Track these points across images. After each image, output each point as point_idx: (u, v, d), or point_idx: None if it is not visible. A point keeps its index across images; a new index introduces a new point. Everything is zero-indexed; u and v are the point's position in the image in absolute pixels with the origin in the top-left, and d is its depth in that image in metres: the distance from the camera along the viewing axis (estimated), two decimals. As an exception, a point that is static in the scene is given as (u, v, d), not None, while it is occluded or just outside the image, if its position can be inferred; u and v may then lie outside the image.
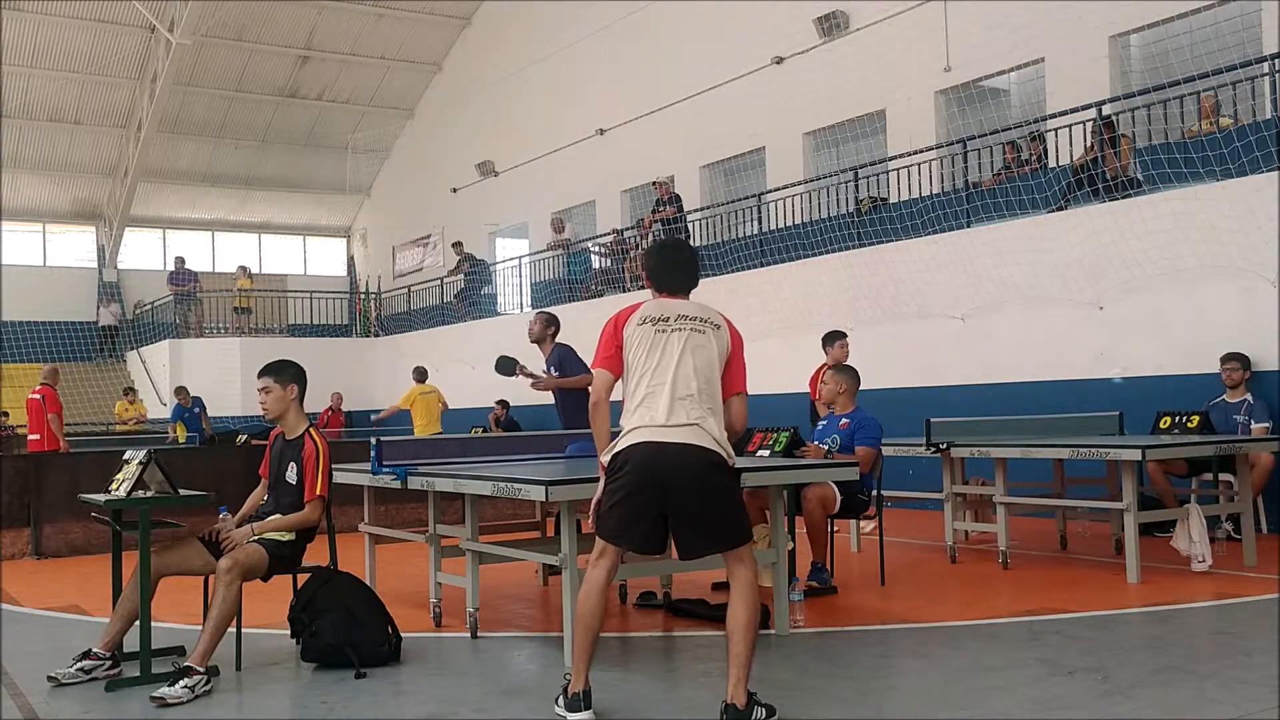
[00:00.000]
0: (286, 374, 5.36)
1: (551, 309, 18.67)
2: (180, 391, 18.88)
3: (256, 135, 27.44)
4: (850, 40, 15.75)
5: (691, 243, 16.31)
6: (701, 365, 4.17)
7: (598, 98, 20.62)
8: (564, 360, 8.49)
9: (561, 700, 4.18)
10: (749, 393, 4.35)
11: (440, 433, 15.85)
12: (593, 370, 4.32)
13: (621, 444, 4.16)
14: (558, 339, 8.61)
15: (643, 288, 16.42)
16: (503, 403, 17.45)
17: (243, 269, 25.49)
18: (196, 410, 18.38)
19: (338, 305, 27.32)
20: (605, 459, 4.22)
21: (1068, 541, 8.59)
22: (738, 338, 4.33)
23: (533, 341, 8.67)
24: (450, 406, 16.82)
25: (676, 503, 4.12)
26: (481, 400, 17.61)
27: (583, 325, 17.12)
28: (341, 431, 18.93)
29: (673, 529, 4.22)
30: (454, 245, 22.64)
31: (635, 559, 6.57)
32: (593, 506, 4.27)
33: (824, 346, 9.88)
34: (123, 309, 26.66)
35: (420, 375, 17.08)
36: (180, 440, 17.80)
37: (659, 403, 4.12)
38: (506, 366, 8.52)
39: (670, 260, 4.47)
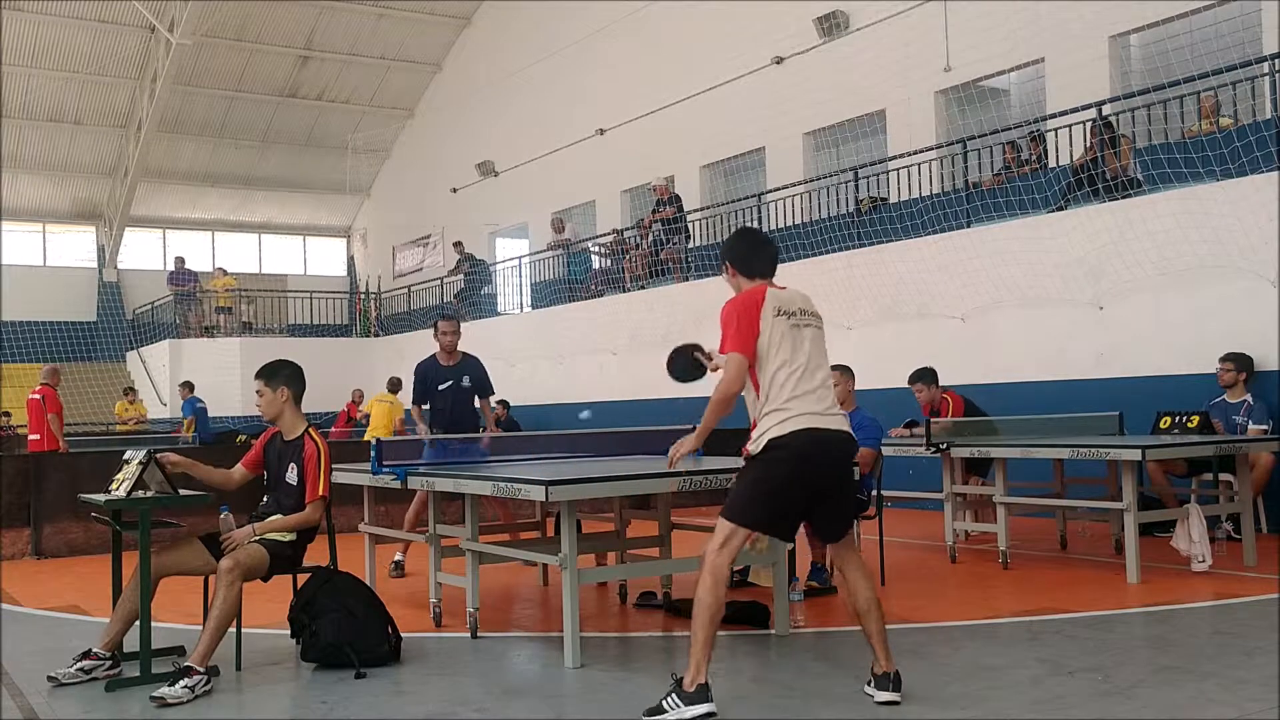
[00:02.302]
0: (278, 377, 5.36)
1: (552, 309, 18.87)
2: (185, 386, 18.89)
3: (256, 135, 27.45)
4: (850, 40, 15.75)
5: (690, 243, 16.35)
6: (826, 359, 4.40)
7: (598, 98, 20.62)
8: (483, 373, 8.41)
9: (676, 697, 3.99)
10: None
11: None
12: (731, 354, 4.23)
13: (785, 429, 4.17)
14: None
15: (643, 287, 16.52)
16: (503, 402, 17.45)
17: (220, 270, 25.47)
18: (200, 405, 18.30)
19: (338, 305, 27.32)
20: (759, 445, 4.22)
21: (1068, 541, 8.58)
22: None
23: (449, 351, 8.33)
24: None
25: (831, 486, 4.30)
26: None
27: (583, 325, 17.28)
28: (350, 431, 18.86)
29: (819, 513, 4.40)
30: (454, 245, 22.65)
31: (634, 559, 6.61)
32: (679, 452, 4.54)
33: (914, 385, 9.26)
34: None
35: (391, 386, 17.15)
36: (189, 437, 17.68)
37: (814, 392, 4.24)
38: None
39: (762, 244, 4.59)
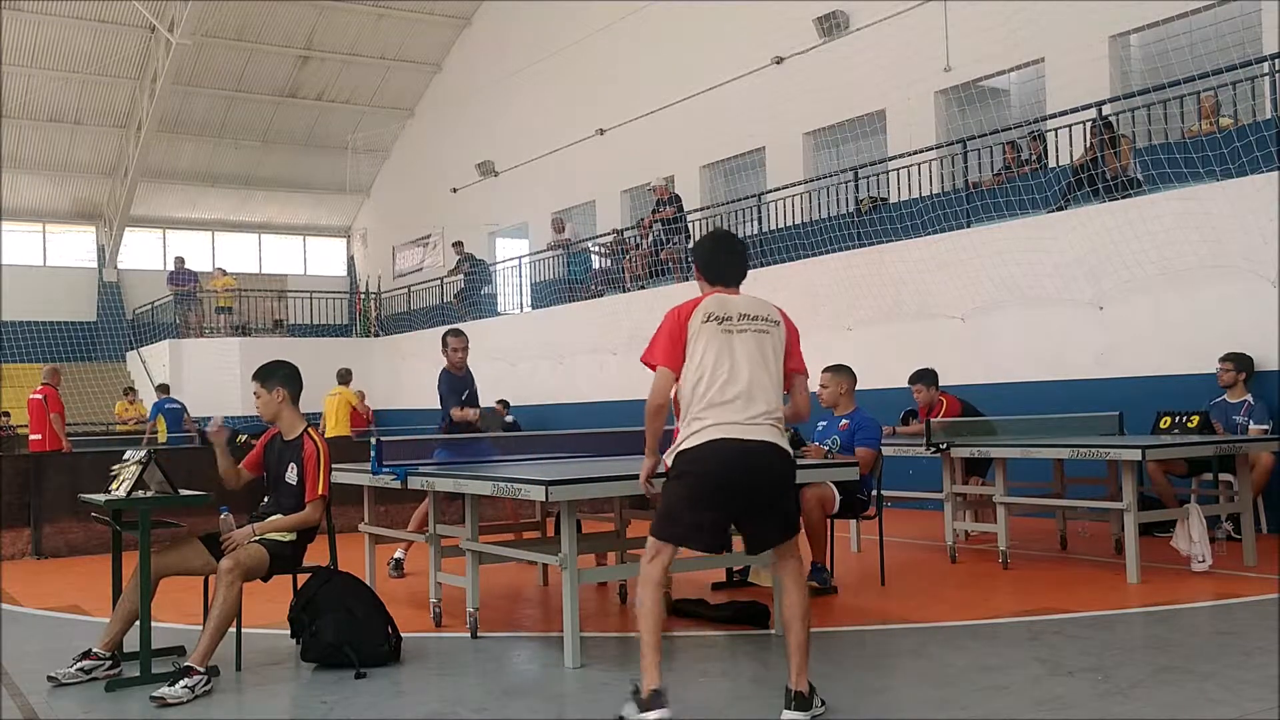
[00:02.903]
0: (274, 378, 5.37)
1: (552, 309, 18.87)
2: (160, 388, 19.08)
3: (256, 135, 27.45)
4: (850, 40, 15.75)
5: (690, 243, 16.33)
6: (768, 363, 4.18)
7: (598, 98, 20.62)
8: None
9: (634, 705, 3.97)
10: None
11: (348, 435, 15.67)
12: (656, 368, 4.17)
13: (696, 440, 4.07)
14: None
15: (643, 287, 16.51)
16: (503, 402, 17.46)
17: (220, 270, 25.46)
18: (171, 406, 18.27)
19: (338, 305, 27.32)
20: (670, 458, 4.15)
21: (1068, 541, 8.58)
22: (794, 330, 4.35)
23: (459, 367, 8.55)
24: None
25: (755, 500, 4.13)
26: (482, 400, 17.59)
27: (583, 325, 17.28)
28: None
29: (745, 525, 4.25)
30: (454, 245, 22.66)
31: (634, 559, 6.60)
32: (643, 477, 4.37)
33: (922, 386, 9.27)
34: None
35: (340, 378, 16.97)
36: (161, 439, 17.59)
37: (734, 401, 4.08)
38: None
39: (726, 252, 4.42)
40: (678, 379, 4.17)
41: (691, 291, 4.39)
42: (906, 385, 9.37)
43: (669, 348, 4.15)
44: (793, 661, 4.07)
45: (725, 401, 4.07)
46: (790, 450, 4.21)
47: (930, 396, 9.19)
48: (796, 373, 4.32)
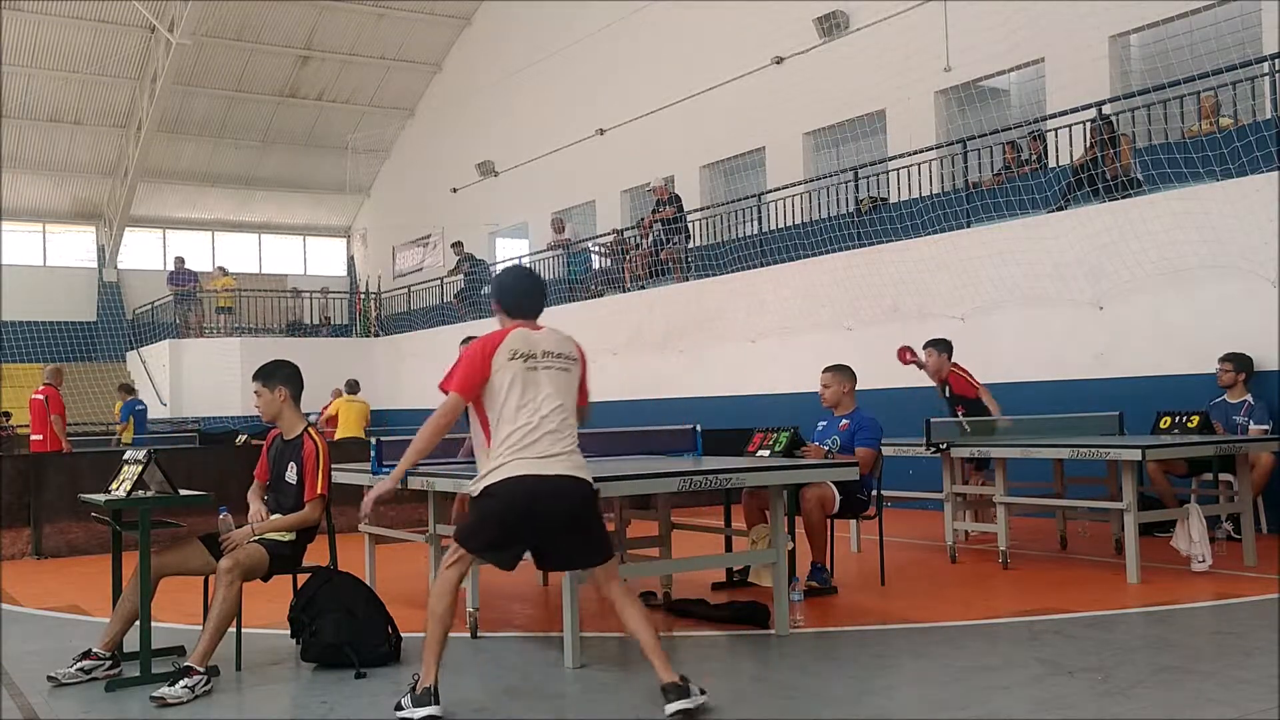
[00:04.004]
0: (275, 377, 5.36)
1: (552, 309, 18.85)
2: (124, 389, 18.63)
3: (256, 135, 27.47)
4: (850, 40, 15.76)
5: (690, 243, 16.35)
6: (567, 400, 4.43)
7: (598, 98, 20.63)
8: None
9: (409, 698, 4.19)
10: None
11: (360, 437, 15.63)
12: (447, 390, 4.37)
13: (497, 476, 4.27)
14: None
15: (643, 287, 16.52)
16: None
17: (220, 269, 25.43)
18: (140, 408, 18.11)
19: (338, 305, 27.33)
20: (476, 489, 4.35)
21: (1068, 541, 8.58)
22: (585, 362, 4.59)
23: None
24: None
25: (553, 531, 4.34)
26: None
27: (583, 326, 17.25)
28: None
29: (544, 549, 4.47)
30: (454, 245, 22.66)
31: (634, 559, 6.61)
32: (373, 498, 4.65)
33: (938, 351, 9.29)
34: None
35: (350, 388, 17.00)
36: (126, 439, 17.37)
37: (534, 437, 4.29)
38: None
39: (527, 287, 4.65)
40: (468, 405, 4.38)
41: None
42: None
43: (467, 377, 4.35)
44: (655, 662, 4.23)
45: (529, 438, 4.28)
46: (590, 480, 4.40)
47: (940, 362, 9.18)
48: (582, 406, 4.58)
